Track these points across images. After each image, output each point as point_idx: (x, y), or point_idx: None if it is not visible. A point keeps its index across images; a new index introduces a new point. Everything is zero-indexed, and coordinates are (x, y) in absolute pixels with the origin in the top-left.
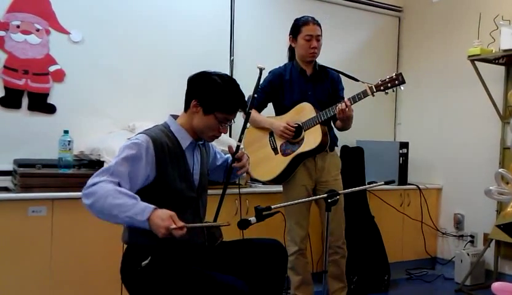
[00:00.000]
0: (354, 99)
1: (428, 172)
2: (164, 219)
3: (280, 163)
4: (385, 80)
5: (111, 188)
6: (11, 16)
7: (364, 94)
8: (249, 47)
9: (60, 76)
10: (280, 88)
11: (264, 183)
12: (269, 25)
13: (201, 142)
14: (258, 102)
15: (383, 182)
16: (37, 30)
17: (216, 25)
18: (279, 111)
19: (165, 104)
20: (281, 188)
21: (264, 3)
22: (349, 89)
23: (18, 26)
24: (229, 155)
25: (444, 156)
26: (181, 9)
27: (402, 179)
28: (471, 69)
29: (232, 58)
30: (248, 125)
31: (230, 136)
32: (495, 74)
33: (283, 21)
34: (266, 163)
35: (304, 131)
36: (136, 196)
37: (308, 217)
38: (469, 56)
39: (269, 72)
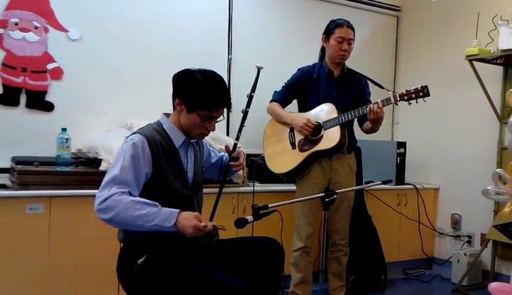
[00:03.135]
0: (383, 102)
1: (425, 172)
2: (190, 219)
3: (296, 158)
4: (410, 90)
5: (127, 200)
6: (9, 14)
7: (387, 101)
8: (247, 46)
9: (58, 74)
10: (306, 86)
11: (279, 175)
12: (267, 24)
13: (194, 141)
14: (284, 98)
15: (380, 182)
16: (36, 28)
17: (214, 24)
18: (303, 109)
19: (163, 103)
20: (279, 188)
21: (262, 3)
22: (371, 95)
23: (16, 24)
24: (223, 153)
25: (442, 156)
26: (179, 8)
27: (400, 178)
28: (469, 69)
29: (230, 56)
30: (243, 121)
31: (227, 134)
32: (493, 74)
33: (281, 20)
34: (283, 156)
35: (324, 130)
36: (156, 203)
37: (317, 215)
38: (467, 56)
39: (298, 70)
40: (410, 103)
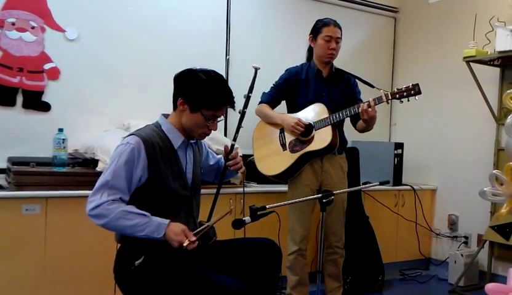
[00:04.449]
0: (375, 101)
1: (422, 173)
2: (177, 233)
3: (287, 159)
4: (401, 89)
5: (118, 210)
6: (6, 14)
7: (378, 100)
8: (245, 47)
9: (54, 74)
10: (295, 87)
11: (270, 177)
12: (265, 25)
13: (193, 141)
14: (272, 98)
15: (377, 183)
16: (33, 27)
17: (212, 24)
18: (292, 110)
19: (161, 103)
20: (276, 188)
21: (260, 3)
22: (362, 94)
23: (13, 24)
24: (221, 156)
25: (439, 157)
26: (177, 8)
27: (397, 179)
28: (466, 71)
29: (228, 57)
30: (240, 121)
31: (225, 135)
32: (490, 75)
33: (279, 20)
34: (273, 158)
35: (315, 130)
36: (147, 213)
37: (311, 217)
38: (464, 58)
39: (286, 70)
40: (402, 101)
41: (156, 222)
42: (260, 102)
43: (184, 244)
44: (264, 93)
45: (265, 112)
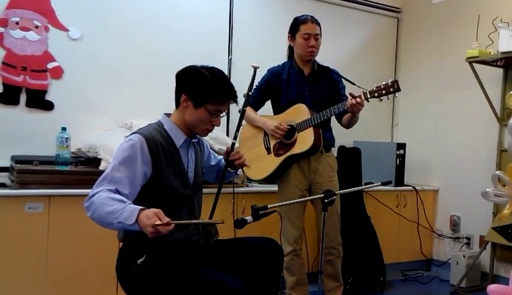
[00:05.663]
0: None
1: (424, 173)
2: (150, 216)
3: (272, 163)
4: (380, 86)
5: (105, 196)
6: (10, 13)
7: (365, 96)
8: (248, 46)
9: (58, 73)
10: (277, 87)
11: (257, 181)
12: (267, 24)
13: (195, 140)
14: (255, 100)
15: (379, 183)
16: (36, 27)
17: (215, 24)
18: (276, 110)
19: (163, 103)
20: (276, 188)
21: (262, 3)
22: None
23: (17, 23)
24: (222, 157)
25: (441, 157)
26: (180, 8)
27: (399, 180)
28: (469, 71)
29: (230, 57)
30: (244, 122)
31: (227, 134)
32: (493, 76)
33: (281, 20)
34: (259, 162)
35: (298, 132)
36: (126, 200)
37: (303, 217)
38: (467, 58)
39: (268, 70)
40: (381, 100)
41: (131, 208)
42: None
43: (157, 223)
44: None
45: (248, 115)
